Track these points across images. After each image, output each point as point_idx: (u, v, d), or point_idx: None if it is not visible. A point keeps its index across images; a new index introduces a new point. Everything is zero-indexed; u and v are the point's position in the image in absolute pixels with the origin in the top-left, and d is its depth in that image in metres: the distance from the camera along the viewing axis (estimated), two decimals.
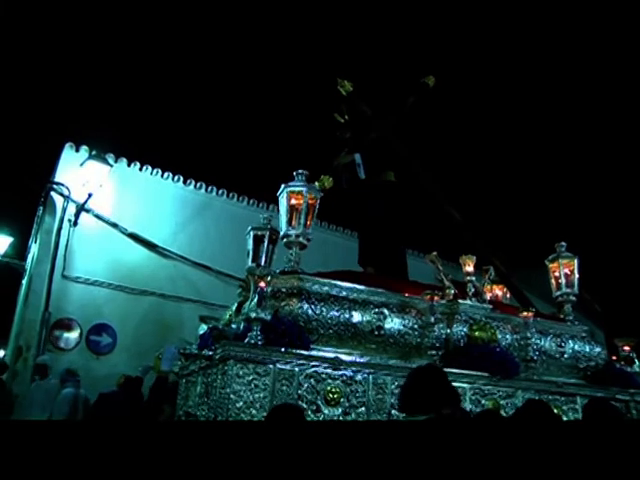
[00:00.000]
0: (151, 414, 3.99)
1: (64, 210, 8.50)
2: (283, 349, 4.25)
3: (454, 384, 4.89)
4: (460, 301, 5.50)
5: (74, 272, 8.40)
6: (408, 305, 5.20)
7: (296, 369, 4.30)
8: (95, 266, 8.59)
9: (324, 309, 4.79)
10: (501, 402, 5.07)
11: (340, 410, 4.41)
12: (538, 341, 5.81)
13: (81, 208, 8.52)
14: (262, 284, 4.52)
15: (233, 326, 4.73)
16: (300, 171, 5.37)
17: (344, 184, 6.40)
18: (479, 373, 5.04)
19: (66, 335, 8.08)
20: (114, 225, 8.92)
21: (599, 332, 11.13)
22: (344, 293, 4.98)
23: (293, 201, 5.31)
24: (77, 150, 8.87)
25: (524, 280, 10.89)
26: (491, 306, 5.70)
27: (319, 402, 4.35)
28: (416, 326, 5.12)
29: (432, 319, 5.05)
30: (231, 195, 10.32)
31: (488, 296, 7.44)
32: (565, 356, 5.94)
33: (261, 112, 12.48)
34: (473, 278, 5.72)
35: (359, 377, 4.55)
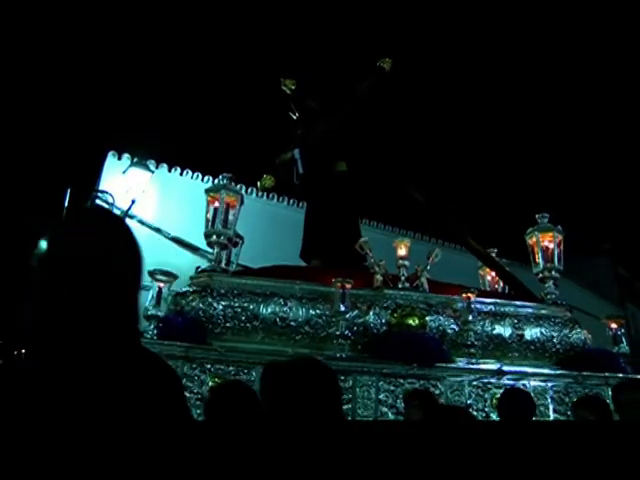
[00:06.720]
0: None
1: None
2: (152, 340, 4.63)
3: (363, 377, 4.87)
4: (387, 288, 5.37)
5: None
6: (320, 295, 5.22)
7: (179, 362, 4.63)
8: None
9: (227, 304, 5.03)
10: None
11: None
12: (488, 326, 5.45)
13: (125, 214, 9.19)
14: (160, 285, 4.94)
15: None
16: (224, 174, 5.65)
17: (295, 179, 6.50)
18: (394, 363, 4.92)
19: None
20: (157, 230, 9.66)
21: None
22: (250, 287, 5.16)
23: (216, 203, 5.60)
24: (119, 158, 9.46)
25: (573, 270, 10.02)
26: (426, 291, 5.45)
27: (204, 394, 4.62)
28: (327, 315, 5.13)
29: (342, 307, 5.03)
30: (271, 196, 10.35)
31: (486, 282, 7.11)
32: (526, 339, 5.50)
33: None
34: (406, 262, 5.52)
35: (249, 370, 4.75)
